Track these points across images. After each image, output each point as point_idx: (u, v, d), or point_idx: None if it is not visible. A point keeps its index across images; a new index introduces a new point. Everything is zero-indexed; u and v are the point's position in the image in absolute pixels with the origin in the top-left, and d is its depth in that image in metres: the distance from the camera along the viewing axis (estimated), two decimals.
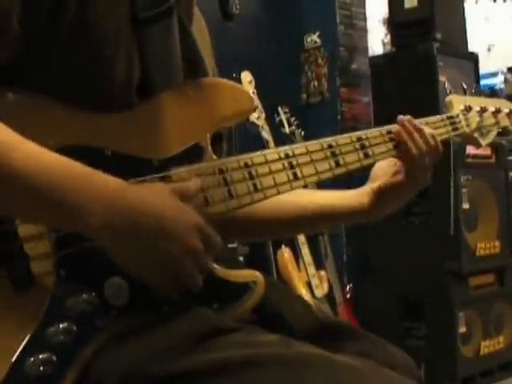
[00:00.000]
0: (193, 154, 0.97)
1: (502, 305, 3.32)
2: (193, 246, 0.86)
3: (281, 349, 0.87)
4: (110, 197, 0.84)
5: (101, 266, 0.87)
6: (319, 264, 3.28)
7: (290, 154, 1.02)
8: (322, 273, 3.29)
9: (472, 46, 3.69)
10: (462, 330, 3.08)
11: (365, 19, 4.14)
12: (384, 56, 3.81)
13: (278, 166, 1.00)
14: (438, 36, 3.35)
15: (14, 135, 0.83)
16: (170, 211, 0.86)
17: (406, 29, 3.44)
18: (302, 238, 3.15)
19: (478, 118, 1.26)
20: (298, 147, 1.03)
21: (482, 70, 3.68)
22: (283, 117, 3.30)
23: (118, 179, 0.86)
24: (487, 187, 3.30)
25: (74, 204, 0.82)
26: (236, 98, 1.02)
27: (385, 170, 1.16)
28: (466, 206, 3.12)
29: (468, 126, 1.25)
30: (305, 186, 1.06)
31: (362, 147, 1.10)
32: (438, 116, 1.21)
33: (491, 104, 1.29)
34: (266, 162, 0.99)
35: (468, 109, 1.25)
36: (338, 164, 1.07)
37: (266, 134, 3.07)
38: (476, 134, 1.27)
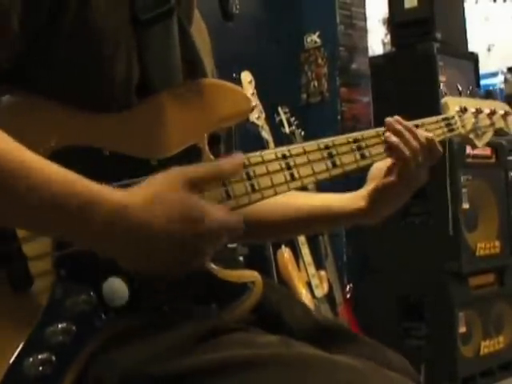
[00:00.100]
0: (191, 155, 0.96)
1: (501, 305, 3.33)
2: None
3: (281, 349, 0.86)
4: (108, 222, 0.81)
5: (100, 265, 0.86)
6: (319, 264, 3.28)
7: (287, 154, 1.01)
8: (322, 273, 3.29)
9: (472, 46, 3.69)
10: (462, 330, 3.08)
11: (365, 19, 4.14)
12: (384, 56, 3.80)
13: (275, 166, 1.00)
14: (438, 36, 3.35)
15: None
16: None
17: (406, 29, 3.44)
18: (302, 238, 3.14)
19: (473, 120, 1.26)
20: (295, 148, 1.03)
21: (482, 70, 3.68)
22: (283, 117, 3.30)
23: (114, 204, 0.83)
24: (487, 187, 3.30)
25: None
26: (233, 98, 1.02)
27: (382, 170, 1.16)
28: (465, 205, 3.12)
29: (463, 127, 1.25)
30: (305, 188, 1.06)
31: (359, 148, 1.10)
32: (433, 117, 1.21)
33: (486, 106, 1.30)
34: (263, 163, 0.99)
35: (463, 110, 1.25)
36: (334, 165, 1.06)
37: (265, 133, 3.07)
38: (471, 135, 1.27)
